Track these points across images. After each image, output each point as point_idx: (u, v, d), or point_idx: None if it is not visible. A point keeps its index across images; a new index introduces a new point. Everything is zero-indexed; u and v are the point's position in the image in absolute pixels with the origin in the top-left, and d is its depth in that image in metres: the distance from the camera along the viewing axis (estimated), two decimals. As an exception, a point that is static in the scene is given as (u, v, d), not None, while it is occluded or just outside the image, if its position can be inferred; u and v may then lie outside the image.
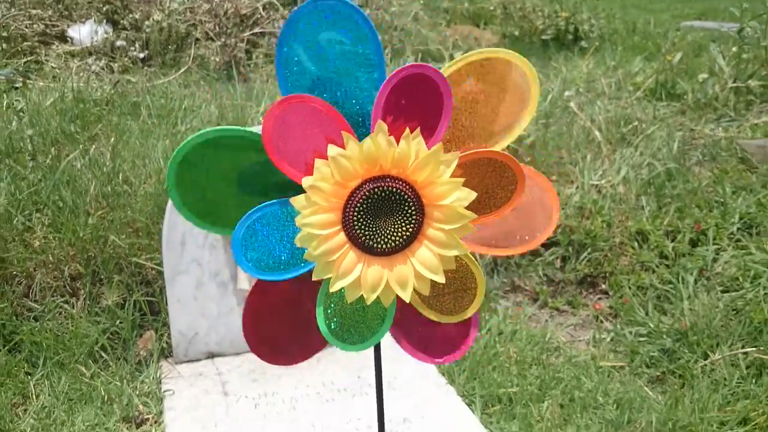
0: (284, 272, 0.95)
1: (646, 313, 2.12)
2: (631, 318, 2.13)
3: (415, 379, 1.81)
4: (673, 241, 2.34)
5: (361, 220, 0.91)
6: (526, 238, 1.06)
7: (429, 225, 0.93)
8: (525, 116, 0.97)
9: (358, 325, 1.00)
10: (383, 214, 0.91)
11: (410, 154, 0.89)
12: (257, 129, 0.93)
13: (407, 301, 0.96)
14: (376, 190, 0.90)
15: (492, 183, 0.98)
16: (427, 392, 1.76)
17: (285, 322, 1.05)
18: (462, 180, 0.90)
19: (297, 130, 0.90)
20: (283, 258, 0.95)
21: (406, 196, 0.91)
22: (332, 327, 0.98)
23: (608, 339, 2.10)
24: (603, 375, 1.91)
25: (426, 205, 0.92)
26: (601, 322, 2.20)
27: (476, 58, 0.94)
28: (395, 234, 0.92)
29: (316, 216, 0.90)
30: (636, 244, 2.37)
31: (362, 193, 0.90)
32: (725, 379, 1.84)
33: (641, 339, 2.05)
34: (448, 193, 0.91)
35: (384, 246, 0.92)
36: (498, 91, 0.98)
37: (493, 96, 0.97)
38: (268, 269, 0.95)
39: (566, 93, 3.16)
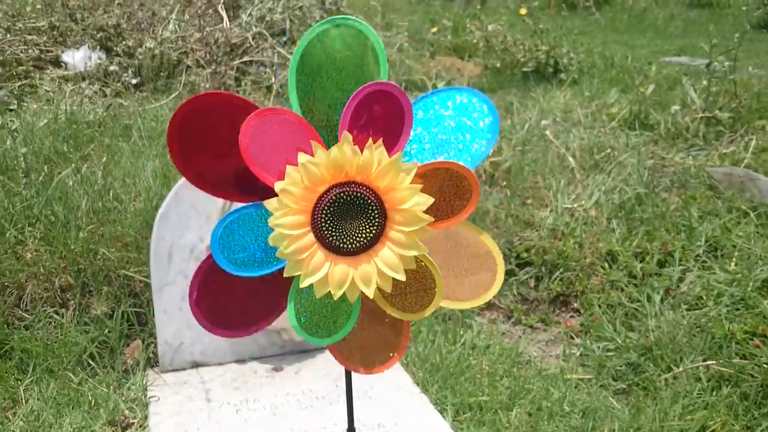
0: (259, 269, 1.04)
1: (615, 329, 2.22)
2: (600, 334, 2.22)
3: (390, 389, 1.89)
4: (641, 261, 2.44)
5: (329, 222, 1.00)
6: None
7: (391, 227, 1.02)
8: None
9: (325, 320, 1.08)
10: (349, 216, 1.01)
11: (373, 162, 0.99)
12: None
13: (371, 297, 1.05)
14: (342, 194, 1.00)
15: (449, 192, 1.07)
16: (401, 400, 1.84)
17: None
18: (420, 186, 1.00)
19: (271, 140, 1.00)
20: (257, 256, 1.04)
21: (369, 201, 1.00)
22: (302, 321, 1.07)
23: (577, 353, 2.19)
24: (570, 386, 1.99)
25: (388, 209, 1.02)
26: (572, 338, 2.29)
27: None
28: (360, 235, 1.01)
29: (287, 218, 0.99)
30: (606, 265, 2.46)
31: (329, 197, 0.99)
32: (687, 390, 1.92)
33: (609, 353, 2.14)
34: (407, 198, 1.00)
35: (350, 246, 1.01)
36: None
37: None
38: (244, 266, 1.04)
39: (543, 122, 3.28)
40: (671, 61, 5.07)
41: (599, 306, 2.34)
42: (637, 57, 5.06)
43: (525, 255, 2.50)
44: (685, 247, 2.42)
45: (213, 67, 3.72)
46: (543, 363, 2.15)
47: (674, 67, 4.68)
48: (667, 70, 4.46)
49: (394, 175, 0.99)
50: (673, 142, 3.24)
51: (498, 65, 4.49)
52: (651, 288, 2.33)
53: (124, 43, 3.81)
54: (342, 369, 1.95)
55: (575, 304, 2.44)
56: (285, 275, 1.01)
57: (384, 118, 1.02)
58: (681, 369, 1.99)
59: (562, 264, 2.47)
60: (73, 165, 2.37)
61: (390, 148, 1.02)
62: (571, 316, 2.42)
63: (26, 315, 1.99)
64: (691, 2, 8.04)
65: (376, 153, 0.98)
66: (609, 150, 3.03)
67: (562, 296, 2.46)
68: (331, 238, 1.00)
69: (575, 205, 2.67)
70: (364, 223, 1.01)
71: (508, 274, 2.49)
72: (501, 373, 2.03)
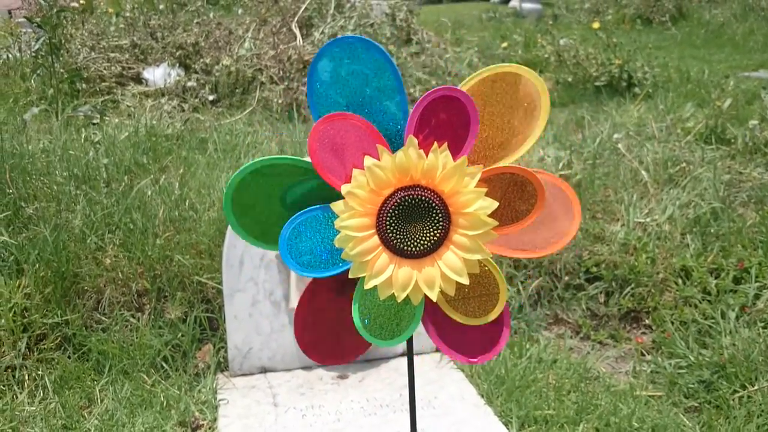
0: (324, 270, 1.06)
1: (687, 346, 2.16)
2: (672, 351, 2.17)
3: (454, 400, 1.89)
4: (716, 278, 2.37)
5: (393, 224, 1.02)
6: (552, 240, 1.13)
7: (455, 231, 1.03)
8: (536, 128, 1.07)
9: (389, 322, 1.10)
10: (413, 220, 1.02)
11: (438, 166, 1.00)
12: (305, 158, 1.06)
13: (434, 300, 1.06)
14: (407, 198, 1.01)
15: (514, 196, 1.08)
16: (465, 411, 1.84)
17: (331, 326, 1.16)
18: (485, 189, 1.01)
19: (338, 143, 1.02)
20: (323, 257, 1.06)
21: (434, 204, 1.02)
22: (366, 323, 1.08)
23: (648, 370, 2.14)
24: (640, 403, 1.95)
25: (452, 212, 1.03)
26: (643, 354, 2.24)
27: (488, 74, 1.06)
28: (424, 238, 1.03)
29: (353, 220, 1.01)
30: (680, 281, 2.41)
31: (394, 200, 1.01)
32: (762, 410, 1.86)
33: (680, 371, 2.09)
34: (472, 201, 1.01)
35: (414, 249, 1.03)
36: (510, 104, 1.08)
37: (505, 109, 1.07)
38: (311, 267, 1.06)
39: (615, 135, 3.23)
40: (750, 76, 4.93)
41: (671, 323, 2.28)
42: (714, 72, 4.94)
43: (594, 269, 2.46)
44: (762, 264, 2.35)
45: (286, 83, 3.80)
46: (612, 379, 2.11)
47: (753, 81, 4.55)
48: (746, 85, 4.33)
49: (458, 179, 1.00)
50: (750, 157, 3.14)
51: (569, 79, 4.46)
52: (726, 305, 2.26)
53: (201, 60, 3.94)
54: (406, 379, 1.96)
55: (646, 321, 2.39)
56: (350, 276, 1.03)
57: (449, 123, 1.04)
58: (756, 387, 1.93)
59: (633, 279, 2.42)
60: (151, 176, 2.47)
61: (455, 152, 1.03)
62: (642, 333, 2.37)
63: (104, 318, 2.07)
64: (772, 16, 7.80)
65: (441, 157, 1.00)
66: (684, 164, 2.96)
67: (633, 312, 2.41)
68: (395, 241, 1.02)
69: (648, 220, 2.62)
70: (428, 226, 1.02)
71: (577, 288, 2.46)
72: (568, 388, 2.01)
